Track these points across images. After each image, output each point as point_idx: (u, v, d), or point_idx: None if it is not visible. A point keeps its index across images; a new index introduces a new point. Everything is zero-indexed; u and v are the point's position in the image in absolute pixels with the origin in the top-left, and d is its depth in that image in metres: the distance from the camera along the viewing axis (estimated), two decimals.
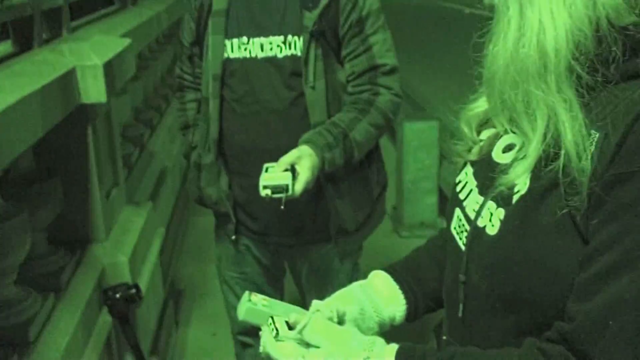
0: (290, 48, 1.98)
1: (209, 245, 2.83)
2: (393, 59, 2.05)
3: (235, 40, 2.02)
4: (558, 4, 0.88)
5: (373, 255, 2.51)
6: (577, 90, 0.90)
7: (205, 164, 2.14)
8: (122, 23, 3.20)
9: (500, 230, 0.98)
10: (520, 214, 0.96)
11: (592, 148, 0.87)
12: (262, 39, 1.99)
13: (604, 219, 0.87)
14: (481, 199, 1.05)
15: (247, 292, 1.17)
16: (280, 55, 1.99)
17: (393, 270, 1.28)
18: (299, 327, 1.05)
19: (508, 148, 1.04)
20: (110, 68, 2.17)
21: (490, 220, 1.01)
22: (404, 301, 1.25)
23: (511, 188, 0.98)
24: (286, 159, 1.79)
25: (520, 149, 0.98)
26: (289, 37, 1.97)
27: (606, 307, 0.87)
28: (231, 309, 2.39)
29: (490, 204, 1.02)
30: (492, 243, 0.99)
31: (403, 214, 4.51)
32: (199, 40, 2.10)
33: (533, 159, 0.94)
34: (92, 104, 2.19)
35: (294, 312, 1.13)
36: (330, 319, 1.13)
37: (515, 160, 0.98)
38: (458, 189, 1.13)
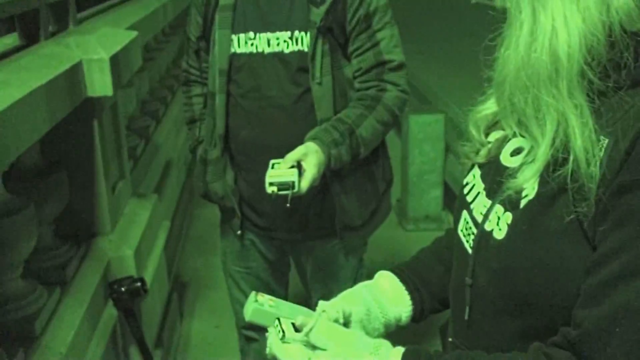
0: (297, 44, 1.97)
1: (214, 237, 2.84)
2: (400, 55, 2.04)
3: (242, 35, 2.01)
4: (572, 8, 0.87)
5: (377, 248, 2.52)
6: (587, 95, 0.89)
7: (211, 159, 2.14)
8: (128, 15, 3.19)
9: (508, 234, 0.98)
10: (528, 219, 0.95)
11: (601, 154, 0.87)
12: (269, 34, 1.98)
13: (611, 225, 0.87)
14: (489, 202, 1.05)
15: (253, 293, 1.17)
16: (287, 51, 1.98)
17: (399, 271, 1.28)
18: (305, 330, 1.05)
19: (516, 151, 1.03)
20: (116, 61, 2.17)
21: (497, 224, 1.00)
22: (410, 302, 1.25)
23: (519, 192, 0.97)
24: (292, 156, 1.79)
25: (528, 153, 0.98)
26: (296, 32, 1.97)
27: (613, 314, 0.87)
28: (236, 303, 2.39)
29: (498, 208, 1.01)
30: (500, 247, 0.99)
31: (408, 207, 4.50)
32: (205, 35, 2.10)
33: (541, 164, 0.93)
34: (98, 97, 2.19)
35: (300, 313, 1.13)
36: (337, 319, 1.13)
37: (523, 164, 0.98)
38: (465, 191, 1.13)
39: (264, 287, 2.30)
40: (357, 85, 2.04)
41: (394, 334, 1.23)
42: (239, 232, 2.22)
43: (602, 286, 0.88)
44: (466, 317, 1.09)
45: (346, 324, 1.16)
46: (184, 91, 2.27)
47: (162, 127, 4.07)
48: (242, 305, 2.30)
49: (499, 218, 1.01)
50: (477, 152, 1.12)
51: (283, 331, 1.07)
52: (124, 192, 2.67)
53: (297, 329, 1.07)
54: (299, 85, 1.99)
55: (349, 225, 2.15)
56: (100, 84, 2.11)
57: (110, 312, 2.29)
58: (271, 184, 1.72)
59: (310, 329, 1.04)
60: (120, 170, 2.65)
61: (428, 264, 1.29)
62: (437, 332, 1.29)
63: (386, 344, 1.05)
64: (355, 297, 1.22)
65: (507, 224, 0.98)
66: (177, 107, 4.48)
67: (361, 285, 1.26)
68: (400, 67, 2.04)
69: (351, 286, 2.16)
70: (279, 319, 1.10)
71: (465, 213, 1.11)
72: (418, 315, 1.26)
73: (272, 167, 1.78)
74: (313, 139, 1.89)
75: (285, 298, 2.40)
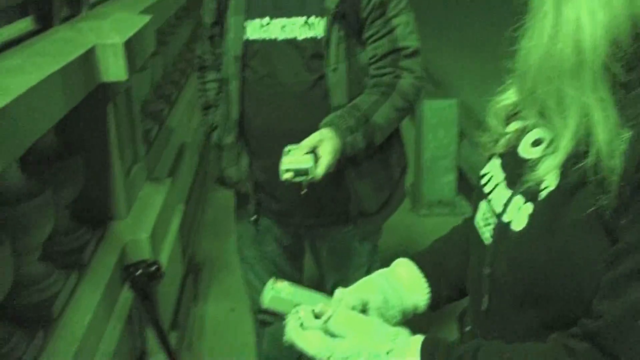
0: (311, 30, 1.96)
1: (228, 220, 2.85)
2: (416, 41, 2.02)
3: (256, 21, 2.00)
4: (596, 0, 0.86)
5: (390, 232, 2.51)
6: (611, 88, 0.89)
7: (226, 144, 2.14)
8: None
9: (528, 225, 0.98)
10: (549, 210, 0.95)
11: (623, 147, 0.86)
12: (284, 20, 1.97)
13: (632, 218, 0.86)
14: (509, 193, 1.04)
15: (271, 279, 1.17)
16: (300, 37, 1.97)
17: (417, 259, 1.28)
18: (324, 318, 1.05)
19: (536, 142, 1.03)
20: (130, 46, 2.16)
21: (517, 215, 1.00)
22: (427, 290, 1.25)
23: (539, 183, 0.97)
24: (308, 142, 1.79)
25: (549, 144, 0.97)
26: (311, 18, 1.96)
27: (633, 307, 0.87)
28: (251, 287, 2.41)
29: (517, 199, 1.01)
30: (519, 238, 0.99)
31: (421, 192, 4.50)
32: (219, 21, 2.09)
33: (563, 156, 0.93)
34: (112, 82, 2.19)
35: (318, 300, 1.14)
36: (354, 307, 1.14)
37: (544, 155, 0.97)
38: (484, 181, 1.12)
39: (278, 271, 2.31)
40: (372, 72, 2.03)
41: (411, 321, 1.23)
42: (253, 217, 2.22)
43: (622, 279, 0.88)
44: (484, 307, 1.09)
45: (364, 311, 1.17)
46: (199, 77, 2.27)
47: (175, 111, 4.07)
48: (257, 290, 2.34)
49: (518, 209, 1.00)
50: (496, 142, 1.12)
51: (302, 319, 1.07)
52: (139, 176, 2.68)
53: (315, 316, 1.08)
54: (313, 71, 1.98)
55: (364, 212, 2.15)
56: (114, 68, 2.11)
57: (127, 295, 2.30)
58: (287, 170, 1.72)
59: (329, 317, 1.05)
60: (135, 154, 2.66)
61: (446, 252, 1.29)
62: (454, 320, 1.30)
63: (404, 332, 1.06)
64: (372, 284, 1.22)
65: (528, 215, 0.98)
66: (190, 91, 4.48)
67: (379, 273, 1.26)
68: (415, 53, 2.02)
69: (365, 272, 2.21)
70: (297, 306, 1.10)
71: (483, 203, 1.11)
72: (435, 303, 1.26)
73: (287, 154, 1.78)
74: (328, 125, 1.88)
75: (300, 282, 2.42)
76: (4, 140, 1.40)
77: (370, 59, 2.01)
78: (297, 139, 1.81)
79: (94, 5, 2.60)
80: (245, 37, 2.02)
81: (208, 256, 3.92)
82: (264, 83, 2.03)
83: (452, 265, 1.27)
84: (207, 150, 4.38)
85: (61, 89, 1.76)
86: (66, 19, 2.27)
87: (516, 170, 1.03)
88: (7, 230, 1.68)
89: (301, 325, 1.07)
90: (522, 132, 1.07)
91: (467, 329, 1.18)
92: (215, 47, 2.17)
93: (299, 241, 2.36)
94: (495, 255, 1.05)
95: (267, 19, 1.99)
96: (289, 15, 1.97)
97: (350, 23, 1.96)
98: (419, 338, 1.04)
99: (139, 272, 2.29)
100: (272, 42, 1.99)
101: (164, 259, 2.54)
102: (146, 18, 2.47)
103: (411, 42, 2.01)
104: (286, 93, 2.01)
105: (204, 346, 3.17)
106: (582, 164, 0.90)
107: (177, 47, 4.66)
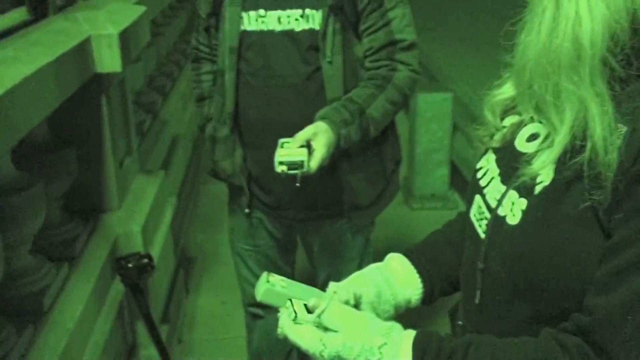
0: (308, 22, 1.95)
1: (220, 213, 2.84)
2: (412, 35, 2.02)
3: (252, 13, 1.99)
4: None
5: (383, 226, 2.51)
6: (608, 82, 0.88)
7: (220, 136, 2.13)
8: None
9: (522, 220, 0.98)
10: (544, 205, 0.95)
11: (619, 142, 0.86)
12: (280, 12, 1.97)
13: (627, 214, 0.86)
14: (503, 187, 1.04)
15: (265, 273, 1.17)
16: (297, 29, 1.96)
17: (410, 253, 1.28)
18: (317, 311, 1.05)
19: (532, 137, 1.02)
20: (125, 37, 2.16)
21: (511, 209, 1.00)
22: (420, 284, 1.25)
23: (534, 178, 0.97)
24: (302, 135, 1.78)
25: (545, 139, 0.97)
26: (307, 10, 1.95)
27: (626, 302, 0.87)
28: (243, 280, 2.40)
29: (512, 194, 1.01)
30: (513, 232, 0.99)
31: (414, 185, 4.50)
32: (215, 12, 2.07)
33: (559, 151, 0.93)
34: (106, 73, 2.18)
35: (311, 294, 1.13)
36: (347, 301, 1.13)
37: (539, 150, 0.97)
38: (479, 175, 1.12)
39: (270, 265, 2.31)
40: (367, 64, 2.02)
41: (403, 315, 1.23)
42: (247, 210, 2.22)
43: (615, 274, 0.88)
44: (477, 301, 1.09)
45: (357, 305, 1.16)
46: (193, 68, 2.26)
47: (169, 103, 4.06)
48: (248, 283, 2.34)
49: (513, 203, 1.00)
50: (491, 136, 1.12)
51: (295, 312, 1.07)
52: (132, 168, 2.67)
53: (309, 310, 1.08)
54: (309, 63, 1.98)
55: (357, 205, 2.14)
56: (108, 59, 2.10)
57: (118, 287, 2.30)
58: (281, 163, 1.72)
59: (322, 311, 1.05)
60: (128, 146, 2.65)
61: (439, 246, 1.29)
62: (447, 314, 1.30)
63: (397, 327, 1.05)
64: (366, 278, 1.22)
65: (522, 210, 0.98)
66: (184, 83, 4.46)
67: (372, 267, 1.26)
68: (411, 46, 2.02)
69: (357, 265, 2.20)
70: (291, 300, 1.10)
71: (478, 198, 1.11)
72: (428, 297, 1.26)
73: (281, 146, 1.77)
74: (323, 118, 1.88)
75: (292, 275, 2.42)
76: None
77: (366, 51, 2.01)
78: (292, 132, 1.81)
79: None
80: (242, 28, 2.01)
81: (200, 249, 3.92)
82: (260, 75, 2.02)
83: (446, 260, 1.26)
84: (200, 142, 4.36)
85: (55, 79, 1.75)
86: (61, 9, 2.26)
87: (511, 165, 1.03)
88: None
89: (294, 319, 1.07)
90: (518, 126, 1.07)
91: (459, 323, 1.18)
92: (210, 38, 2.16)
93: (292, 235, 2.36)
94: (489, 250, 1.05)
95: (262, 10, 1.98)
96: (284, 7, 1.96)
97: (346, 15, 1.95)
98: (412, 333, 1.03)
99: (131, 264, 2.28)
100: (269, 34, 1.98)
101: (155, 251, 2.53)
102: (141, 9, 2.46)
103: (407, 35, 2.00)
104: (282, 85, 2.00)
105: (194, 339, 3.17)
106: (578, 159, 0.90)
107: (171, 38, 4.65)
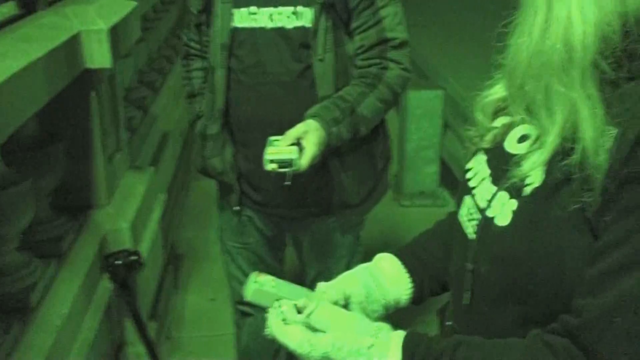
0: (299, 19, 1.95)
1: (210, 210, 2.83)
2: (404, 33, 2.02)
3: (243, 10, 1.98)
4: None
5: (372, 223, 2.51)
6: (599, 85, 0.88)
7: (210, 134, 2.12)
8: None
9: (512, 221, 0.98)
10: (533, 207, 0.95)
11: (610, 144, 0.86)
12: (272, 9, 1.96)
13: (616, 216, 0.87)
14: (493, 188, 1.04)
15: (254, 273, 1.16)
16: (289, 27, 1.96)
17: (400, 253, 1.27)
18: (306, 312, 1.05)
19: (523, 138, 1.02)
20: (115, 32, 2.14)
21: (501, 211, 1.00)
22: (410, 284, 1.25)
23: (524, 180, 0.97)
24: (292, 133, 1.78)
25: (535, 141, 0.97)
26: (299, 8, 1.94)
27: (614, 304, 0.87)
28: (232, 278, 2.39)
29: (502, 195, 1.01)
30: (503, 234, 0.99)
31: (404, 183, 4.51)
32: (206, 8, 2.06)
33: (549, 152, 0.93)
34: (96, 69, 2.16)
35: (300, 294, 1.13)
36: (336, 302, 1.13)
37: (530, 151, 0.97)
38: (469, 175, 1.12)
39: (260, 262, 2.30)
40: (359, 62, 2.01)
41: (392, 315, 1.23)
42: (236, 207, 2.21)
43: (603, 276, 0.88)
44: (465, 302, 1.09)
45: (346, 305, 1.16)
46: (184, 65, 2.25)
47: (159, 99, 4.04)
48: (237, 280, 2.33)
49: (502, 205, 1.00)
50: (482, 137, 1.12)
51: (284, 312, 1.07)
52: (121, 164, 2.65)
53: (298, 311, 1.07)
54: (300, 61, 1.97)
55: (347, 203, 2.14)
56: (98, 55, 2.09)
57: (106, 284, 2.29)
58: (271, 161, 1.71)
59: (311, 311, 1.04)
60: (117, 142, 2.63)
61: (429, 246, 1.29)
62: (435, 315, 1.30)
63: (386, 327, 1.05)
64: (355, 279, 1.22)
65: (512, 211, 0.98)
66: (175, 78, 4.44)
67: (361, 267, 1.25)
68: (403, 45, 2.01)
69: (346, 263, 2.20)
70: (279, 300, 1.10)
71: (467, 198, 1.11)
72: (418, 298, 1.26)
73: (271, 144, 1.76)
74: (313, 116, 1.87)
75: (281, 274, 2.42)
76: None
77: (358, 49, 2.00)
78: (283, 129, 1.80)
79: None
80: (232, 26, 2.00)
81: (189, 245, 3.90)
82: (250, 72, 2.01)
83: (435, 260, 1.26)
84: (190, 139, 4.35)
85: (44, 75, 1.73)
86: (50, 4, 2.24)
87: (501, 166, 1.03)
88: None
89: (283, 319, 1.06)
90: (509, 127, 1.07)
91: (448, 323, 1.18)
92: (201, 35, 2.15)
93: (281, 233, 2.35)
94: (478, 251, 1.05)
95: (253, 7, 1.97)
96: (276, 4, 1.96)
97: (338, 13, 1.95)
98: (401, 333, 1.03)
99: (119, 261, 2.27)
100: (261, 31, 1.98)
101: (144, 248, 2.52)
102: (132, 4, 2.45)
103: (399, 33, 2.00)
104: (272, 83, 2.00)
105: (183, 336, 3.16)
106: (568, 160, 0.90)
107: (162, 34, 4.63)
